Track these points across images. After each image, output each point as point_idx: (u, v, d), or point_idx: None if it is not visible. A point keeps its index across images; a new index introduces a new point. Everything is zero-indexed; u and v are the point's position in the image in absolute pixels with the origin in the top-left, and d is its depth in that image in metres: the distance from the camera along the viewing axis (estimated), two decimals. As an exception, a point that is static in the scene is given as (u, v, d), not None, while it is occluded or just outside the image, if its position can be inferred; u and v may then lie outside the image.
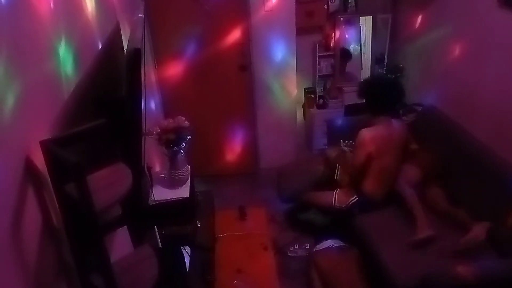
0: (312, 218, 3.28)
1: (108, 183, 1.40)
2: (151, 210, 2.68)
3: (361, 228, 2.77)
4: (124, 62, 1.89)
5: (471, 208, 2.63)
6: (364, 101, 2.98)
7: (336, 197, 2.97)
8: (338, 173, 3.12)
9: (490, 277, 2.11)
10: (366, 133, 2.79)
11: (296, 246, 3.15)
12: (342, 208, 2.92)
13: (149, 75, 3.37)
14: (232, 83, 3.85)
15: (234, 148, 4.13)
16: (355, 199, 2.91)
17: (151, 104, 3.41)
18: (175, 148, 2.73)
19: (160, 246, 2.62)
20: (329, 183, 3.16)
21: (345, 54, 4.20)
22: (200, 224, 2.97)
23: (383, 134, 2.81)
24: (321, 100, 4.28)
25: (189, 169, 2.93)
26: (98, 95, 1.69)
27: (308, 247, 3.09)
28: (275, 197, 3.63)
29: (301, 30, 3.84)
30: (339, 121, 3.70)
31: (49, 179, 1.29)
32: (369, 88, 2.95)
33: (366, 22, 4.11)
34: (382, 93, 2.86)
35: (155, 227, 2.63)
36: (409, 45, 3.93)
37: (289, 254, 3.10)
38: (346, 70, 4.28)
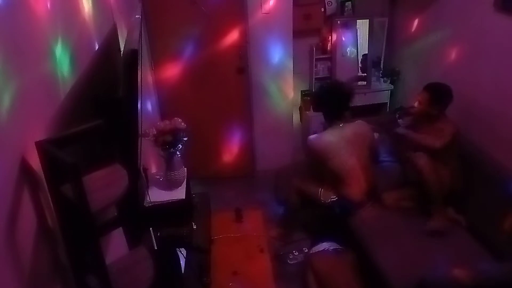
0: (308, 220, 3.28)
1: (104, 184, 1.39)
2: (147, 212, 2.67)
3: (357, 230, 2.77)
4: (121, 63, 1.89)
5: (468, 212, 2.64)
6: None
7: (321, 192, 2.99)
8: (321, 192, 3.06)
9: (486, 280, 2.11)
10: (313, 141, 2.94)
11: (296, 252, 3.14)
12: (326, 203, 2.95)
13: (146, 76, 3.37)
14: (229, 85, 3.85)
15: (230, 150, 4.13)
16: (335, 199, 2.94)
17: (147, 105, 3.40)
18: (172, 150, 2.73)
19: (156, 248, 2.61)
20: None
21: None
22: (196, 226, 2.96)
23: (331, 138, 2.88)
24: (317, 103, 4.29)
25: (185, 171, 2.93)
26: (94, 96, 1.68)
27: (306, 250, 3.09)
28: (272, 200, 3.63)
29: (298, 33, 3.85)
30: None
31: (44, 180, 1.28)
32: (316, 99, 3.12)
33: (362, 25, 4.12)
34: (329, 99, 2.95)
35: (151, 228, 2.62)
36: (405, 49, 3.94)
37: (290, 262, 3.09)
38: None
